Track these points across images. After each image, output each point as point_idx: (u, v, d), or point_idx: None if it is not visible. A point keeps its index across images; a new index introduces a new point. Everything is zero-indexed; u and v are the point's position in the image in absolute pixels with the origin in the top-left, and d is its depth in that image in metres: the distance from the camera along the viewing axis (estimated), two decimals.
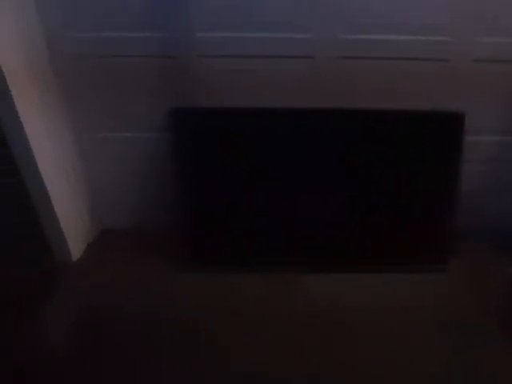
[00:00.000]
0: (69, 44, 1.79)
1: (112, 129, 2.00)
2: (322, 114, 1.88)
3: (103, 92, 1.91)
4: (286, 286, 1.89)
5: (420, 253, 2.01)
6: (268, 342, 1.60)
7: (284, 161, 1.93)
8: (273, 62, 1.84)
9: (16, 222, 1.85)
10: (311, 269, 1.96)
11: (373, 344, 1.60)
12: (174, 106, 1.90)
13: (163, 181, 2.03)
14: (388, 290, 1.88)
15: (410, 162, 1.93)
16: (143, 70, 1.86)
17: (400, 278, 1.94)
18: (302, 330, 1.66)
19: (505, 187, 2.15)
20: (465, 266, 2.00)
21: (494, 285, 1.92)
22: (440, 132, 1.90)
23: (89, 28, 1.77)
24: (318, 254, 1.99)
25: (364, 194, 1.97)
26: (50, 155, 1.84)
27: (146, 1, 1.72)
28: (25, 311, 1.71)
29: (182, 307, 1.76)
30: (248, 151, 1.91)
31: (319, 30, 1.78)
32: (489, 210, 2.18)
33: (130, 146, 2.03)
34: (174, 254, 2.01)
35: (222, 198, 1.97)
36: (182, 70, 1.86)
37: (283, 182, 1.95)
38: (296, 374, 1.47)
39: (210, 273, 1.93)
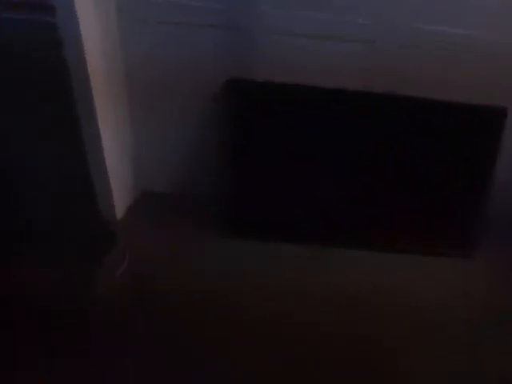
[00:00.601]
0: None
1: (165, 94, 2.03)
2: (372, 98, 1.94)
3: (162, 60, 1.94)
4: (320, 261, 1.97)
5: (448, 238, 2.11)
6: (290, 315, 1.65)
7: (331, 140, 1.99)
8: (334, 43, 1.89)
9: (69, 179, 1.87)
10: (346, 245, 2.06)
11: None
12: (231, 77, 1.94)
13: (210, 148, 2.09)
14: (415, 272, 1.97)
15: (450, 151, 2.03)
16: (205, 40, 1.89)
17: (427, 261, 2.04)
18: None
19: None
20: (491, 255, 2.11)
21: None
22: (481, 125, 1.99)
23: None
24: (350, 233, 2.09)
25: (401, 179, 2.06)
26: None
27: None
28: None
29: (214, 274, 1.82)
30: (299, 128, 1.97)
31: (381, 17, 1.84)
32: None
33: (181, 112, 2.07)
34: (213, 220, 2.09)
35: (266, 171, 2.04)
36: (243, 43, 1.89)
37: (327, 160, 2.02)
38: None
39: (247, 241, 2.00)
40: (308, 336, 1.57)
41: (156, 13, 1.84)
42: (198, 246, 1.98)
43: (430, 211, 2.10)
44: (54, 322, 1.49)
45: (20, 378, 1.30)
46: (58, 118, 1.67)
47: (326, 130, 1.98)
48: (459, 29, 1.86)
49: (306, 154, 2.02)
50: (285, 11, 1.84)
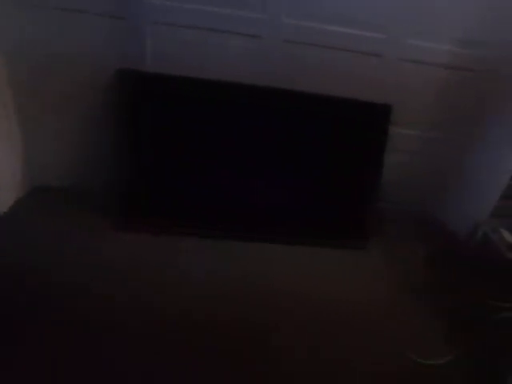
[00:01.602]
0: None
1: (54, 83, 1.97)
2: (262, 92, 1.98)
3: (50, 46, 1.89)
4: (216, 253, 1.96)
5: (343, 230, 2.17)
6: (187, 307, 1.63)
7: (224, 132, 2.01)
8: (222, 36, 1.91)
9: None
10: (242, 238, 2.05)
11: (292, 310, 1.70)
12: (121, 68, 1.92)
13: (103, 140, 2.03)
14: (312, 262, 2.02)
15: (340, 145, 2.10)
16: (94, 28, 1.86)
17: (325, 252, 2.08)
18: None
19: (421, 178, 2.38)
20: (382, 245, 2.20)
21: (407, 263, 2.13)
22: (368, 120, 2.08)
23: None
24: (249, 226, 2.09)
25: (295, 172, 2.11)
26: None
27: None
28: None
29: (107, 267, 1.76)
30: (191, 118, 1.97)
31: (269, 12, 1.89)
32: (406, 197, 2.40)
33: (71, 102, 2.00)
34: (108, 213, 2.03)
35: (162, 162, 2.02)
36: (131, 33, 1.88)
37: (223, 151, 2.04)
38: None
39: (142, 234, 1.95)
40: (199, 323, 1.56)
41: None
42: (84, 239, 1.90)
43: (324, 204, 2.16)
44: None
45: None
46: None
47: (215, 122, 2.00)
48: (344, 27, 1.94)
49: (199, 146, 2.02)
50: (175, 3, 1.85)
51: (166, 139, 1.99)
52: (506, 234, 2.00)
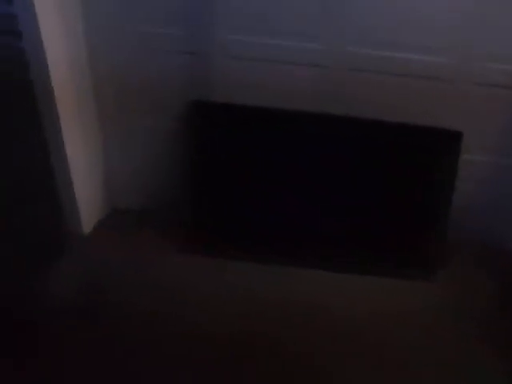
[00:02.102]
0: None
1: (134, 110, 2.14)
2: (329, 120, 2.02)
3: (133, 82, 2.07)
4: (277, 278, 1.98)
5: (410, 260, 2.11)
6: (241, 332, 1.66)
7: (291, 159, 2.07)
8: (289, 67, 1.98)
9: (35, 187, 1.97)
10: (304, 265, 2.06)
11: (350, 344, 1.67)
12: (195, 99, 2.05)
13: (177, 167, 2.18)
14: (375, 293, 1.97)
15: (408, 171, 2.06)
16: (169, 64, 2.01)
17: (389, 283, 2.03)
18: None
19: (493, 206, 2.25)
20: (448, 277, 2.09)
21: (477, 296, 2.00)
22: (438, 147, 2.03)
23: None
24: (311, 252, 2.10)
25: (361, 199, 2.09)
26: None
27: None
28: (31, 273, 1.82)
29: (172, 287, 1.87)
30: (260, 148, 2.06)
31: (331, 42, 1.93)
32: (477, 226, 2.27)
33: (149, 130, 2.17)
34: (180, 236, 2.14)
35: (229, 188, 2.12)
36: (203, 66, 2.01)
37: (289, 178, 2.09)
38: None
39: (210, 257, 2.04)
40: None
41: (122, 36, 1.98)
42: (158, 262, 2.03)
43: (389, 232, 2.11)
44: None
45: None
46: (24, 132, 1.79)
47: (285, 150, 2.05)
48: (410, 53, 1.93)
49: (265, 173, 2.09)
50: (243, 37, 1.96)
51: (233, 166, 2.08)
52: None
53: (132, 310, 1.71)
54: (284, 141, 2.05)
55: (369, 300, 1.93)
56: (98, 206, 2.29)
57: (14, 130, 1.73)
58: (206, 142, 2.08)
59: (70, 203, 2.07)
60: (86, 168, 2.13)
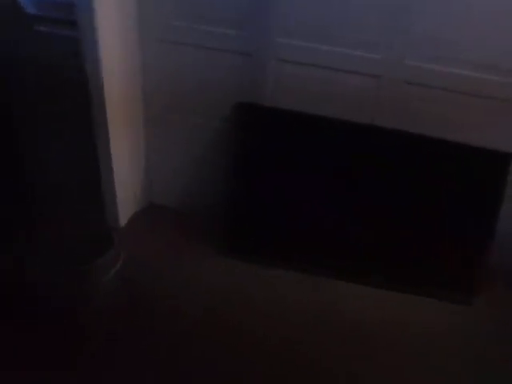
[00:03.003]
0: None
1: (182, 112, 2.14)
2: (375, 131, 1.97)
3: (183, 81, 2.06)
4: (313, 289, 1.96)
5: (448, 282, 2.05)
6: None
7: (334, 170, 2.02)
8: (342, 75, 1.93)
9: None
10: (340, 277, 2.04)
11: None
12: (240, 101, 2.02)
13: (218, 168, 2.15)
14: (411, 312, 1.93)
15: (453, 192, 2.00)
16: (221, 64, 1.99)
17: (424, 302, 1.99)
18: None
19: None
20: (491, 304, 2.03)
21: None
22: (487, 169, 1.96)
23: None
24: (349, 265, 2.07)
25: (403, 216, 2.04)
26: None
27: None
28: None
29: (204, 291, 1.87)
30: (302, 155, 2.01)
31: (388, 53, 1.88)
32: None
33: (196, 130, 2.16)
34: (211, 238, 2.13)
35: (269, 194, 2.09)
36: (255, 69, 1.98)
37: (329, 189, 2.04)
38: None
39: (243, 262, 2.02)
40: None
41: (177, 35, 1.96)
42: (190, 261, 2.02)
43: (431, 253, 2.06)
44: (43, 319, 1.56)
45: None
46: (72, 125, 1.80)
47: (330, 159, 2.01)
48: (466, 70, 1.86)
49: (308, 181, 2.05)
50: (299, 42, 1.91)
51: (277, 171, 2.05)
52: None
53: (177, 309, 1.73)
54: (328, 149, 2.01)
55: (403, 318, 1.89)
56: (135, 200, 2.28)
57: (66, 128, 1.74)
58: (249, 145, 2.05)
59: (110, 196, 2.08)
60: (128, 163, 2.13)
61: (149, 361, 1.49)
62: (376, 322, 1.84)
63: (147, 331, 1.62)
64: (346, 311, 1.87)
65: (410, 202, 2.02)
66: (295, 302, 1.88)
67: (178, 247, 2.09)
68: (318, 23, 1.86)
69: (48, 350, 1.48)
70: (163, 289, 1.84)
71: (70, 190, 1.95)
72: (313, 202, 2.06)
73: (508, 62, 1.82)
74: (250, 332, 1.68)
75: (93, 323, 1.63)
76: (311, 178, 2.05)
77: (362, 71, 1.92)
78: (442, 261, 2.05)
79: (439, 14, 1.77)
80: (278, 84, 1.99)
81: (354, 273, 2.06)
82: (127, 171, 2.15)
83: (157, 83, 2.06)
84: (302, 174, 2.05)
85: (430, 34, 1.81)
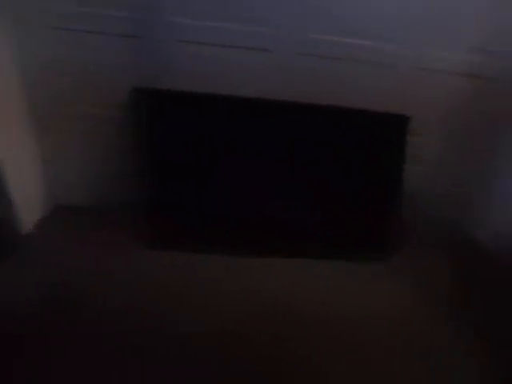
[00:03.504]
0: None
1: (72, 103, 1.99)
2: (277, 106, 1.97)
3: (68, 67, 1.91)
4: (235, 270, 1.94)
5: (364, 244, 2.14)
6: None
7: (240, 147, 2.00)
8: (235, 52, 1.91)
9: None
10: (259, 254, 2.02)
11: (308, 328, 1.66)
12: (137, 86, 1.93)
13: (122, 159, 2.05)
14: (333, 277, 1.97)
15: (358, 156, 2.07)
16: (112, 49, 1.87)
17: (345, 266, 2.04)
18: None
19: (444, 188, 2.33)
20: (405, 258, 2.14)
21: (431, 276, 2.07)
22: (386, 131, 2.05)
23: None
24: (265, 240, 2.05)
25: (311, 184, 2.08)
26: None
27: None
28: None
29: (131, 283, 1.77)
30: (208, 136, 1.97)
31: (281, 26, 1.88)
32: (429, 208, 2.34)
33: (91, 121, 2.02)
34: (130, 232, 2.03)
35: (181, 178, 2.02)
36: (148, 51, 1.89)
37: (240, 166, 2.02)
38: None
39: (166, 252, 1.95)
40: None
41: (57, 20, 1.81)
42: (110, 258, 1.91)
43: (343, 217, 2.12)
44: None
45: None
46: None
47: (235, 137, 1.99)
48: (357, 39, 1.92)
49: (215, 162, 2.01)
50: (191, 21, 1.85)
51: (184, 155, 1.99)
52: None
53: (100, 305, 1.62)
54: (232, 128, 1.99)
55: (328, 285, 1.92)
56: (39, 204, 2.12)
57: None
58: (153, 132, 1.96)
59: (8, 203, 1.90)
60: (22, 167, 1.95)
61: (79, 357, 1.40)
62: (304, 292, 1.85)
63: (74, 332, 1.51)
64: (268, 285, 1.87)
65: (318, 171, 2.07)
66: (224, 284, 1.84)
67: (96, 246, 1.95)
68: (210, 1, 1.81)
69: None
70: (88, 288, 1.71)
71: None
72: (226, 181, 2.04)
73: (386, 29, 1.91)
74: (175, 322, 1.60)
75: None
76: (221, 158, 2.01)
77: (254, 46, 1.91)
78: (356, 224, 2.13)
79: None
80: (174, 65, 1.93)
81: (277, 248, 2.04)
82: (25, 175, 1.98)
83: (40, 76, 1.90)
84: (211, 155, 2.01)
85: (319, 6, 1.84)
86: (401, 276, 2.03)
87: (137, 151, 1.98)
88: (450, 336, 1.69)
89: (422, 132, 2.13)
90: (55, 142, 2.06)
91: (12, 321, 1.51)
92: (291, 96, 1.95)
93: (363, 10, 1.87)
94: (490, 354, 1.62)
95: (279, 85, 1.97)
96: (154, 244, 1.97)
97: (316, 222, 2.10)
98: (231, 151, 2.01)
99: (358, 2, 1.86)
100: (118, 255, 1.92)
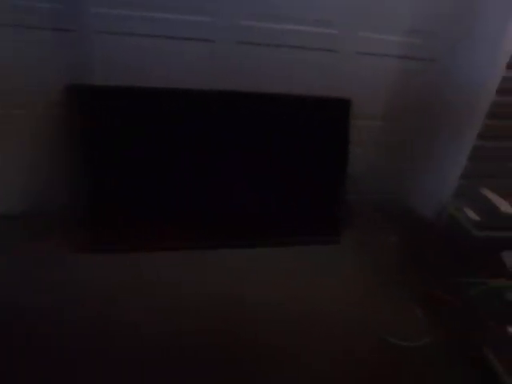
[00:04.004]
0: None
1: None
2: (217, 96, 1.96)
3: None
4: (184, 265, 1.90)
5: (315, 227, 2.17)
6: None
7: (180, 140, 1.96)
8: (174, 43, 1.86)
9: None
10: (210, 246, 1.98)
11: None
12: (70, 83, 1.83)
13: (56, 161, 1.94)
14: (286, 262, 1.99)
15: (303, 142, 2.11)
16: (37, 43, 1.75)
17: (297, 251, 2.06)
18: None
19: (386, 167, 2.44)
20: (354, 237, 2.22)
21: (380, 251, 2.16)
22: (329, 116, 2.11)
23: None
24: (217, 231, 2.02)
25: (260, 172, 2.09)
26: None
27: None
28: None
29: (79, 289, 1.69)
30: (147, 129, 1.91)
31: (219, 15, 1.86)
32: (373, 187, 2.44)
33: (21, 122, 1.89)
34: (70, 236, 1.92)
35: (121, 175, 1.95)
36: (78, 45, 1.79)
37: (180, 159, 1.99)
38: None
39: (109, 254, 1.86)
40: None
41: None
42: (53, 264, 1.81)
43: (292, 203, 2.15)
44: None
45: None
46: None
47: (174, 131, 1.95)
48: (297, 25, 1.94)
49: (154, 156, 1.96)
50: (119, 11, 1.78)
51: (123, 153, 1.92)
52: (470, 213, 2.07)
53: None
54: (171, 121, 1.94)
55: (281, 270, 1.95)
56: None
57: None
58: (88, 130, 1.86)
59: None
60: None
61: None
62: (259, 280, 1.86)
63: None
64: (229, 276, 1.86)
65: (264, 158, 2.08)
66: (164, 281, 1.79)
67: (30, 253, 1.84)
68: None
69: None
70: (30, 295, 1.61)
71: None
72: (165, 176, 1.99)
73: (323, 13, 1.95)
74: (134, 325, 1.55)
75: None
76: (160, 153, 1.96)
77: (193, 36, 1.88)
78: (307, 208, 2.17)
79: None
80: (106, 59, 1.84)
81: (224, 238, 2.02)
82: None
83: None
84: (150, 150, 1.95)
85: None
86: (349, 255, 2.10)
87: (73, 150, 1.87)
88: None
89: (362, 115, 2.19)
90: None
91: None
92: (231, 86, 1.94)
93: None
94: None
95: (218, 75, 1.95)
96: (94, 246, 1.88)
97: (265, 208, 2.11)
98: (171, 145, 1.97)
99: None
100: (54, 262, 1.81)
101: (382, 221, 2.40)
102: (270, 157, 2.07)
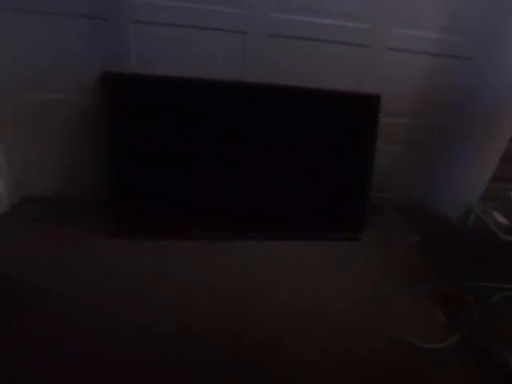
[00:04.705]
0: None
1: (36, 89, 1.91)
2: (247, 88, 1.96)
3: (29, 49, 1.82)
4: (206, 254, 1.93)
5: (339, 223, 2.17)
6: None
7: (212, 130, 1.98)
8: (207, 34, 1.88)
9: None
10: (232, 237, 2.01)
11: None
12: (105, 71, 1.87)
13: (87, 148, 1.99)
14: (309, 257, 1.99)
15: (331, 137, 2.10)
16: (74, 31, 1.80)
17: (321, 246, 2.07)
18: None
19: (412, 165, 2.40)
20: (377, 235, 2.20)
21: (401, 251, 2.14)
22: (358, 111, 2.08)
23: None
24: (239, 223, 2.05)
25: (285, 166, 2.09)
26: None
27: None
28: None
29: (106, 273, 1.73)
30: (176, 120, 1.93)
31: (252, 7, 1.86)
32: (398, 185, 2.42)
33: (55, 108, 1.95)
34: (98, 221, 1.98)
35: (149, 164, 1.98)
36: (114, 34, 1.83)
37: (206, 151, 2.01)
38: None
39: (134, 240, 1.91)
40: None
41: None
42: (79, 248, 1.86)
43: (318, 198, 2.15)
44: None
45: None
46: None
47: (203, 122, 1.96)
48: (330, 19, 1.92)
49: (183, 148, 1.98)
50: (156, 1, 1.80)
51: (153, 141, 1.95)
52: (498, 216, 2.03)
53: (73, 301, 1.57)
54: (205, 111, 1.95)
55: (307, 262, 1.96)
56: (6, 195, 2.03)
57: None
58: (121, 118, 1.90)
59: None
60: None
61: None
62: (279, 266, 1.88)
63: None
64: (248, 268, 1.88)
65: (292, 152, 2.08)
66: (191, 269, 1.82)
67: (62, 237, 1.90)
68: None
69: None
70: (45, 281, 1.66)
71: None
72: (194, 167, 2.01)
73: (356, 8, 1.93)
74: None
75: None
76: (191, 143, 1.99)
77: (227, 28, 1.89)
78: (331, 204, 2.16)
79: None
80: (141, 49, 1.88)
81: (251, 231, 2.05)
82: None
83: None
84: (180, 140, 1.97)
85: None
86: (372, 253, 2.08)
87: (105, 138, 1.92)
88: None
89: (390, 112, 2.17)
90: (20, 131, 1.97)
91: None
92: (262, 78, 1.94)
93: None
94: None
95: (250, 67, 1.95)
96: (120, 232, 1.93)
97: (289, 203, 2.12)
98: (198, 136, 1.99)
99: None
100: (79, 245, 1.86)
101: (406, 220, 2.38)
102: (296, 151, 2.07)
